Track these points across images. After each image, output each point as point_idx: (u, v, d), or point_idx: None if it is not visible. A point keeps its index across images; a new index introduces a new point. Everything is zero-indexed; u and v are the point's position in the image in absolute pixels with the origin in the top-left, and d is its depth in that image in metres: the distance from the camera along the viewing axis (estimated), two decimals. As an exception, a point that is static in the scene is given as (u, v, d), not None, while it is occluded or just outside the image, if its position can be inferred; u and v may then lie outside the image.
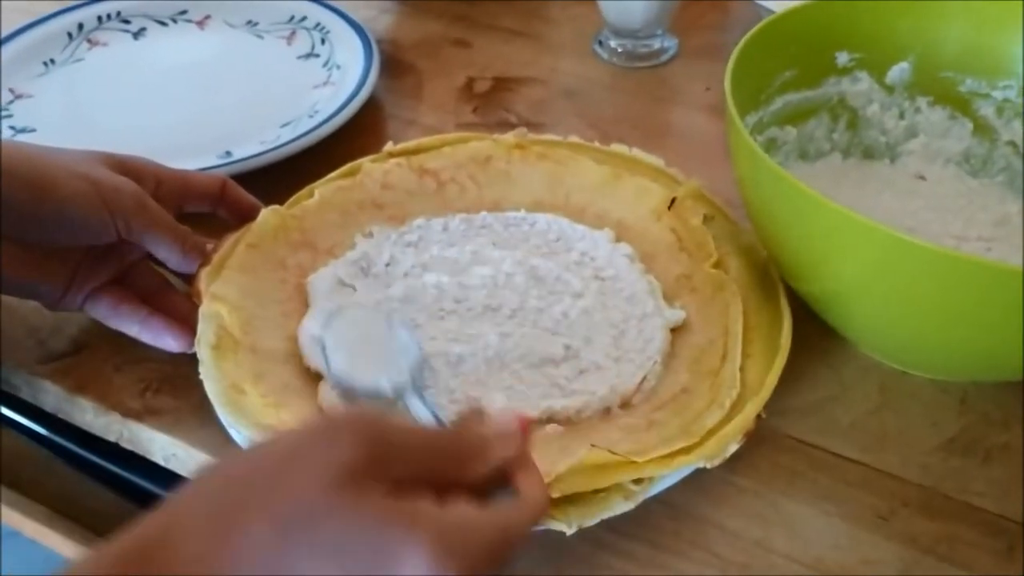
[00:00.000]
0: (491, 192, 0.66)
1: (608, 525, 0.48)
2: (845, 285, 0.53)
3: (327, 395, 0.53)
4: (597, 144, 0.68)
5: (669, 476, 0.49)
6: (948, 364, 0.57)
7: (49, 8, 0.87)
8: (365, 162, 0.66)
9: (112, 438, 0.58)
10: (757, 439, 0.52)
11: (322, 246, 0.62)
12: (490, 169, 0.66)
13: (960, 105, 0.66)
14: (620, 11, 0.84)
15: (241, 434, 0.51)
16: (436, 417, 0.48)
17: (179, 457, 0.56)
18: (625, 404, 0.54)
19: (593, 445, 0.48)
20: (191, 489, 0.38)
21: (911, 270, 0.48)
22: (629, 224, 0.63)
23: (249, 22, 0.87)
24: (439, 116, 0.80)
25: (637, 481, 0.48)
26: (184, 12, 0.88)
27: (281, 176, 0.69)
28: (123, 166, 0.58)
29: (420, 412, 0.48)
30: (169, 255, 0.58)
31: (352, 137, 0.74)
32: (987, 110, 0.65)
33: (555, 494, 0.47)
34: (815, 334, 0.58)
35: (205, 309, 0.55)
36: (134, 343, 0.58)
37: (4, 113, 0.78)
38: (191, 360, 0.55)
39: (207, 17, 0.88)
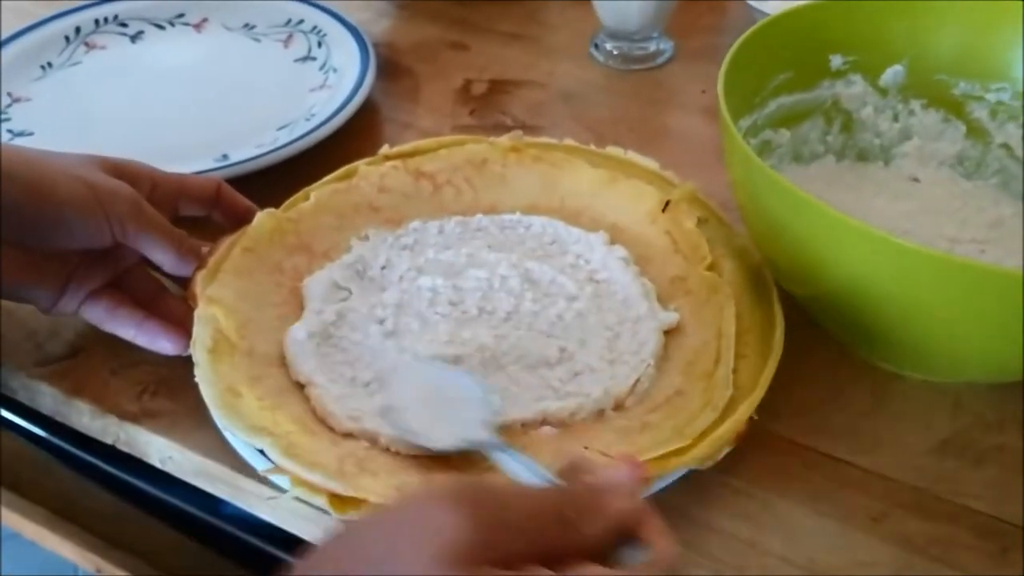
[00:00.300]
0: (487, 195, 0.66)
1: (602, 527, 0.48)
2: (839, 287, 0.53)
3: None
4: (592, 147, 0.68)
5: (663, 478, 0.49)
6: (942, 366, 0.57)
7: (47, 11, 0.87)
8: (361, 165, 0.66)
9: (109, 440, 0.58)
10: (751, 441, 0.52)
11: (318, 249, 0.62)
12: (486, 172, 0.66)
13: (954, 108, 0.66)
14: (617, 14, 0.84)
15: (236, 437, 0.51)
16: (536, 471, 0.44)
17: (175, 459, 0.56)
18: (619, 406, 0.54)
19: (587, 447, 0.48)
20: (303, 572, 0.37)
21: (905, 273, 0.49)
22: (624, 227, 0.63)
23: (246, 25, 0.88)
24: (436, 119, 0.80)
25: None
26: (181, 15, 0.89)
27: (278, 179, 0.69)
28: (119, 169, 0.58)
29: (514, 469, 0.45)
30: (165, 258, 0.58)
31: (349, 140, 0.74)
32: (981, 113, 0.66)
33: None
34: (809, 336, 0.58)
35: (201, 312, 0.56)
36: (131, 347, 0.58)
37: (2, 116, 0.78)
38: (187, 363, 0.55)
39: (204, 20, 0.88)
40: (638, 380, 0.55)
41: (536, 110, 0.81)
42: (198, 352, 0.54)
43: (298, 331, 0.56)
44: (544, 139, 0.69)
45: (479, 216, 0.65)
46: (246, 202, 0.62)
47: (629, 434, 0.52)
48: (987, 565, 0.49)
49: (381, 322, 0.58)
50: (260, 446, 0.50)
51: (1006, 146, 0.66)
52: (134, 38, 0.87)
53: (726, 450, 0.51)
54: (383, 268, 0.61)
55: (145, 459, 0.57)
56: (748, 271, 0.59)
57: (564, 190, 0.66)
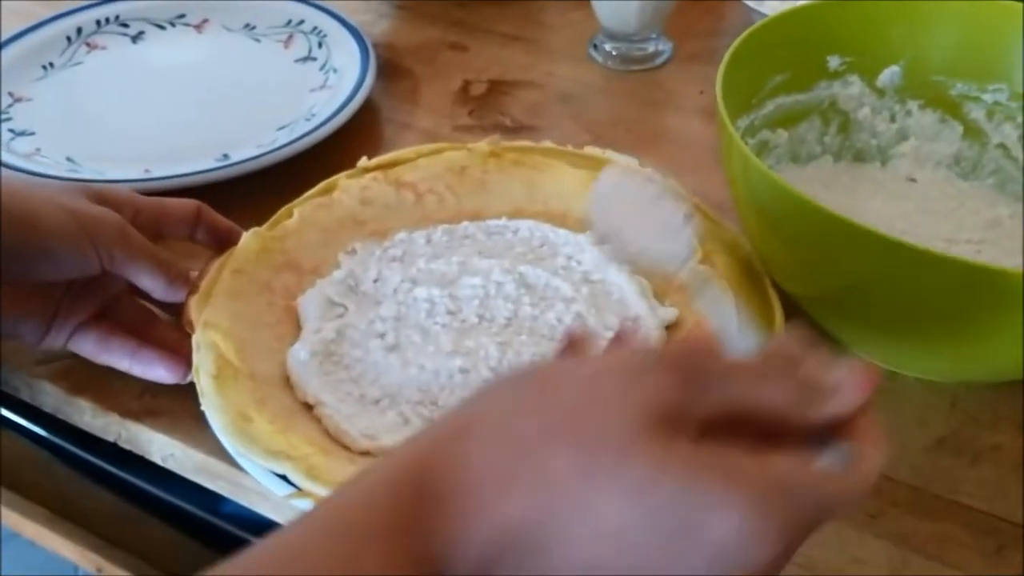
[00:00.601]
0: (470, 202, 0.65)
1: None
2: (836, 287, 0.54)
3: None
4: (570, 147, 0.68)
5: None
6: (938, 366, 0.57)
7: (48, 12, 0.87)
8: (341, 178, 0.65)
9: (111, 438, 0.58)
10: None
11: (306, 266, 0.61)
12: (467, 179, 0.66)
13: (951, 108, 0.67)
14: (615, 15, 0.84)
15: (253, 463, 0.50)
16: (740, 324, 0.41)
17: (176, 457, 0.56)
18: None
19: None
20: (487, 402, 0.37)
21: (902, 272, 0.49)
22: None
23: (247, 26, 0.88)
24: (435, 119, 0.80)
25: None
26: (182, 16, 0.89)
27: (278, 179, 0.69)
28: (101, 196, 0.56)
29: (712, 300, 0.42)
30: (154, 284, 0.56)
31: (348, 140, 0.74)
32: (977, 113, 0.66)
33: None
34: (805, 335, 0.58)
35: (200, 338, 0.54)
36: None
37: (3, 116, 0.78)
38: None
39: (205, 21, 0.89)
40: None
41: (535, 111, 0.81)
42: (203, 379, 0.53)
43: (300, 351, 0.56)
44: (522, 142, 0.68)
45: (465, 223, 0.64)
46: (227, 222, 0.61)
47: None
48: (983, 563, 0.50)
49: (382, 336, 0.57)
50: (281, 471, 0.49)
51: (1003, 146, 0.66)
52: (135, 38, 0.87)
53: None
54: (375, 281, 0.60)
55: (146, 457, 0.58)
56: (741, 265, 0.59)
57: (547, 192, 0.66)
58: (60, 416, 0.60)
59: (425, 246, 0.63)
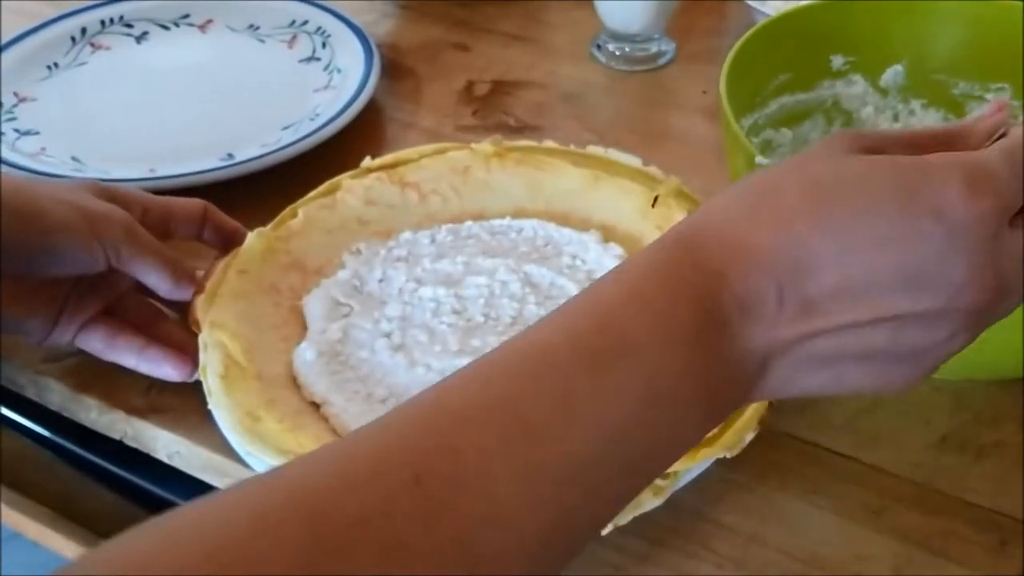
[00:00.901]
0: (473, 202, 0.65)
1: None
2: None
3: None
4: (573, 147, 0.68)
5: (693, 469, 0.50)
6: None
7: (52, 12, 0.87)
8: (345, 178, 0.65)
9: (116, 436, 0.58)
10: (753, 437, 0.53)
11: (311, 266, 0.61)
12: (470, 179, 0.66)
13: (954, 107, 0.67)
14: (618, 15, 0.85)
15: (262, 462, 0.50)
16: None
17: (182, 454, 0.56)
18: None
19: None
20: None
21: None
22: (613, 225, 0.63)
23: (251, 26, 0.88)
24: (438, 119, 0.80)
25: (663, 476, 0.49)
26: (186, 16, 0.89)
27: (282, 178, 0.69)
28: (109, 194, 0.57)
29: None
30: (160, 282, 0.56)
31: (352, 140, 0.74)
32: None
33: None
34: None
35: (207, 338, 0.55)
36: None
37: (8, 116, 0.78)
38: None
39: (209, 21, 0.89)
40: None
41: (538, 111, 0.81)
42: (211, 379, 0.53)
43: (306, 351, 0.56)
44: (525, 142, 0.68)
45: (469, 223, 0.64)
46: (233, 222, 0.61)
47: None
48: (986, 558, 0.50)
49: (387, 336, 0.57)
50: None
51: (1005, 146, 0.66)
52: (139, 39, 0.87)
53: (750, 437, 0.51)
54: (380, 281, 0.60)
55: (152, 454, 0.58)
56: None
57: (549, 192, 0.66)
58: (66, 414, 0.60)
59: (430, 246, 0.63)
